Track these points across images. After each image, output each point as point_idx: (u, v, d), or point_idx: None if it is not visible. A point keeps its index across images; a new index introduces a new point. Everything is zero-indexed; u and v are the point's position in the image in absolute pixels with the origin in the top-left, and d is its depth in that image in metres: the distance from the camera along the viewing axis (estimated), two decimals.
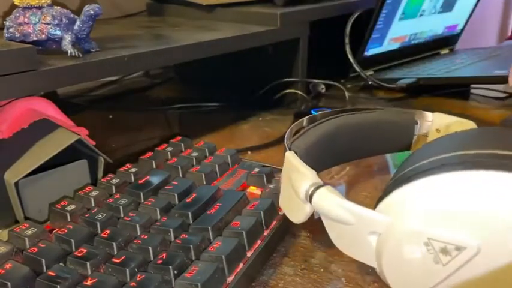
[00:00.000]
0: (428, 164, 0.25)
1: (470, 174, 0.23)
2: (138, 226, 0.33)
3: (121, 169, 0.41)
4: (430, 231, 0.23)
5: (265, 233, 0.34)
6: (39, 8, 0.42)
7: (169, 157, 0.44)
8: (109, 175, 0.40)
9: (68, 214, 0.34)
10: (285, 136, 0.34)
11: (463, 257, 0.23)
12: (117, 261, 0.29)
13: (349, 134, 0.38)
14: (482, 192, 0.22)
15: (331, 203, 0.27)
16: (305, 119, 0.38)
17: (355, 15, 0.72)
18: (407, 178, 0.25)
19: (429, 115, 0.40)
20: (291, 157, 0.31)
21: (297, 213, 0.30)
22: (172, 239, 0.32)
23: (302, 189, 0.28)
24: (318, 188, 0.28)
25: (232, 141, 0.57)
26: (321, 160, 0.36)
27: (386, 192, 0.26)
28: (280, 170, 0.42)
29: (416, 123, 0.40)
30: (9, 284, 0.27)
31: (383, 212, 0.26)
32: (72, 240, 0.31)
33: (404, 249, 0.24)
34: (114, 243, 0.31)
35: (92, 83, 0.76)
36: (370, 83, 0.73)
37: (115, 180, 0.39)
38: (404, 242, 0.24)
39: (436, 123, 0.39)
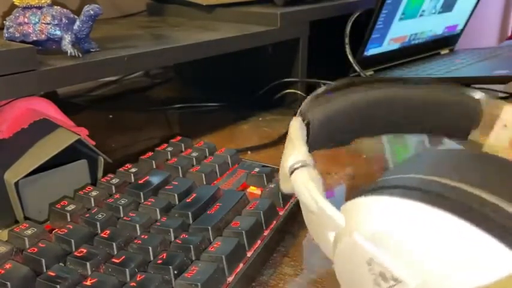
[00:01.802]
0: (393, 180, 0.24)
1: (415, 205, 0.21)
2: (138, 226, 0.33)
3: (121, 169, 0.41)
4: (373, 252, 0.22)
5: (265, 233, 0.34)
6: (39, 8, 0.42)
7: (169, 157, 0.44)
8: (109, 175, 0.40)
9: (68, 214, 0.34)
10: (304, 101, 0.32)
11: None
12: (117, 261, 0.29)
13: (388, 109, 0.33)
14: (424, 228, 0.20)
15: (303, 187, 0.26)
16: (334, 84, 0.33)
17: (355, 15, 0.72)
18: (372, 189, 0.24)
19: (499, 105, 0.33)
20: (293, 125, 0.29)
21: (284, 184, 0.29)
22: (172, 239, 0.32)
23: (288, 163, 0.27)
24: (299, 167, 0.27)
25: (232, 141, 0.57)
26: (338, 133, 0.33)
27: (357, 193, 0.25)
28: None
29: (481, 113, 0.33)
30: (9, 284, 0.27)
31: (345, 213, 0.24)
32: (72, 240, 0.31)
33: (350, 259, 0.23)
34: (114, 243, 0.31)
35: (92, 83, 0.76)
36: None
37: (115, 180, 0.39)
38: (350, 252, 0.23)
39: (505, 117, 0.33)
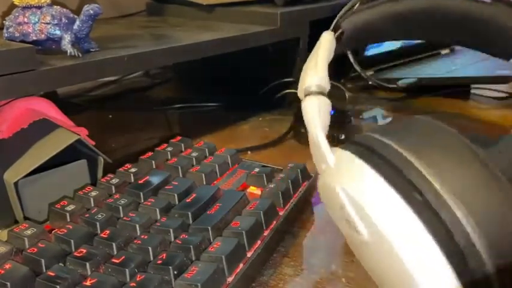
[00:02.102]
0: (377, 144, 0.24)
1: (376, 177, 0.23)
2: (137, 226, 0.33)
3: (121, 169, 0.41)
4: (345, 205, 0.24)
5: (265, 233, 0.34)
6: (39, 7, 0.42)
7: (169, 157, 0.44)
8: (109, 175, 0.40)
9: (67, 214, 0.34)
10: (339, 13, 0.32)
11: (360, 237, 0.23)
12: (117, 261, 0.29)
13: (435, 18, 0.33)
14: (375, 197, 0.22)
15: (310, 118, 0.27)
16: None
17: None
18: (361, 147, 0.25)
19: None
20: (324, 37, 0.29)
21: (300, 93, 0.30)
22: (172, 239, 0.32)
23: (305, 82, 0.28)
24: (313, 92, 0.28)
25: (232, 141, 0.57)
26: (372, 36, 0.33)
27: (349, 142, 0.26)
28: (280, 170, 0.42)
29: None
30: (8, 284, 0.27)
31: (337, 157, 0.25)
32: (72, 241, 0.31)
33: (329, 194, 0.25)
34: (113, 244, 0.31)
35: (92, 83, 0.75)
36: (370, 83, 0.73)
37: (115, 180, 0.39)
38: (330, 192, 0.25)
39: None
